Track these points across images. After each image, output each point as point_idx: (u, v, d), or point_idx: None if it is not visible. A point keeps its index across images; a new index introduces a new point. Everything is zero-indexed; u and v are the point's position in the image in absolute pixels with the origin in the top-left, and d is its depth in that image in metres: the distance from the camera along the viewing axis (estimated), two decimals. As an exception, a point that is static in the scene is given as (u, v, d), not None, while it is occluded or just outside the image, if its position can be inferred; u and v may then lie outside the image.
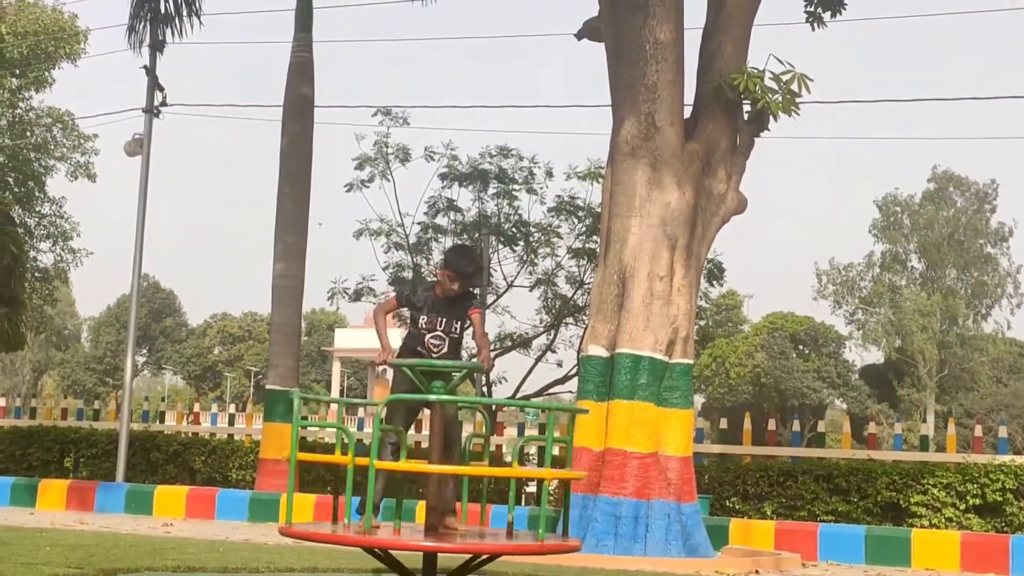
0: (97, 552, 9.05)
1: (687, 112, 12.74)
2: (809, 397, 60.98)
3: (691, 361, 12.24)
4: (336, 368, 75.03)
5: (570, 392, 25.90)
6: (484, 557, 6.81)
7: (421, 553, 6.51)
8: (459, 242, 22.21)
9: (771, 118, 12.49)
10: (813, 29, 13.83)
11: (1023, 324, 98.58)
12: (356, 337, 62.03)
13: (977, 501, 14.08)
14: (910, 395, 61.35)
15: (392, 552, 6.51)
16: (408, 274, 22.69)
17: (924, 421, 17.40)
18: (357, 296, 22.98)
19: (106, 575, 7.74)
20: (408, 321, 7.66)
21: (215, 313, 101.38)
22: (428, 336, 7.37)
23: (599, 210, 22.44)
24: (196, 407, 21.04)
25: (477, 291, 8.48)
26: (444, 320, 7.36)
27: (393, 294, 7.42)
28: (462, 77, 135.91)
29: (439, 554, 6.54)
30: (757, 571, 10.92)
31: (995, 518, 14.05)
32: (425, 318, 7.37)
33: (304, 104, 18.09)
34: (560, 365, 23.89)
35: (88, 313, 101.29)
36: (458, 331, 7.41)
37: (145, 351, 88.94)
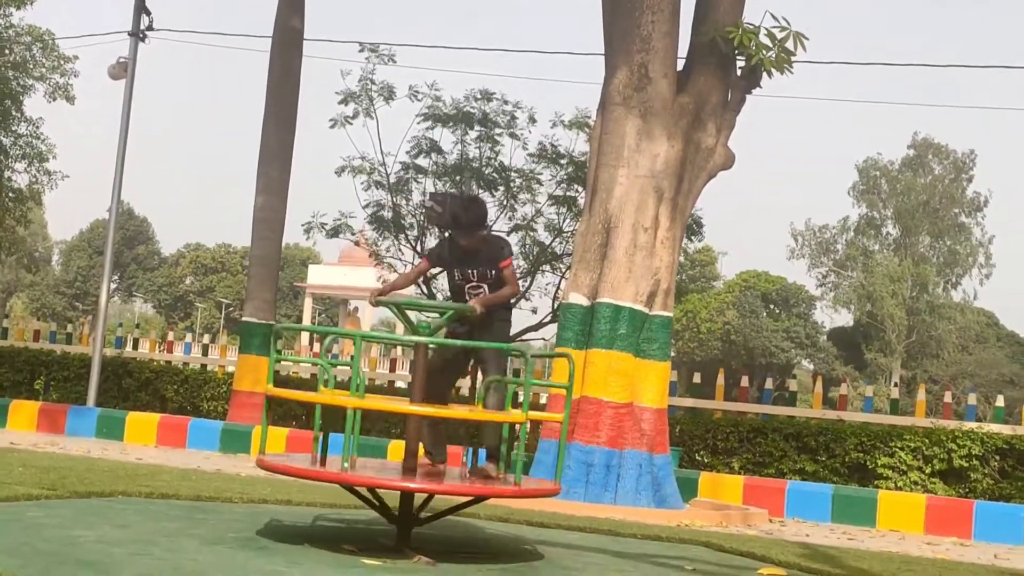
0: (70, 475, 9.04)
1: (680, 64, 12.67)
2: (777, 356, 61.43)
3: (670, 314, 12.28)
4: (308, 304, 74.89)
5: (543, 339, 25.98)
6: (468, 499, 6.84)
7: (397, 493, 6.54)
8: (435, 190, 22.13)
9: (764, 74, 12.43)
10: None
11: (991, 294, 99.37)
12: (329, 274, 61.93)
13: (943, 466, 14.26)
14: (877, 359, 61.87)
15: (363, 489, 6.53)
16: (387, 213, 22.61)
17: (894, 385, 17.52)
18: (335, 232, 22.85)
19: (80, 497, 7.74)
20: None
21: (189, 243, 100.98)
22: (467, 287, 7.23)
23: (581, 159, 22.49)
24: (170, 336, 20.94)
25: (502, 235, 8.21)
26: (475, 271, 7.15)
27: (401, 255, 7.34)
28: (453, 21, 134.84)
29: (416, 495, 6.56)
30: (725, 524, 11.02)
31: (959, 483, 14.23)
32: (458, 272, 7.24)
33: (293, 36, 17.90)
34: (535, 312, 23.95)
35: (60, 236, 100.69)
36: (494, 276, 7.16)
37: (116, 278, 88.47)
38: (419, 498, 6.71)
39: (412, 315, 7.09)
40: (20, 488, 7.76)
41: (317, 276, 67.21)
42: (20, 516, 6.46)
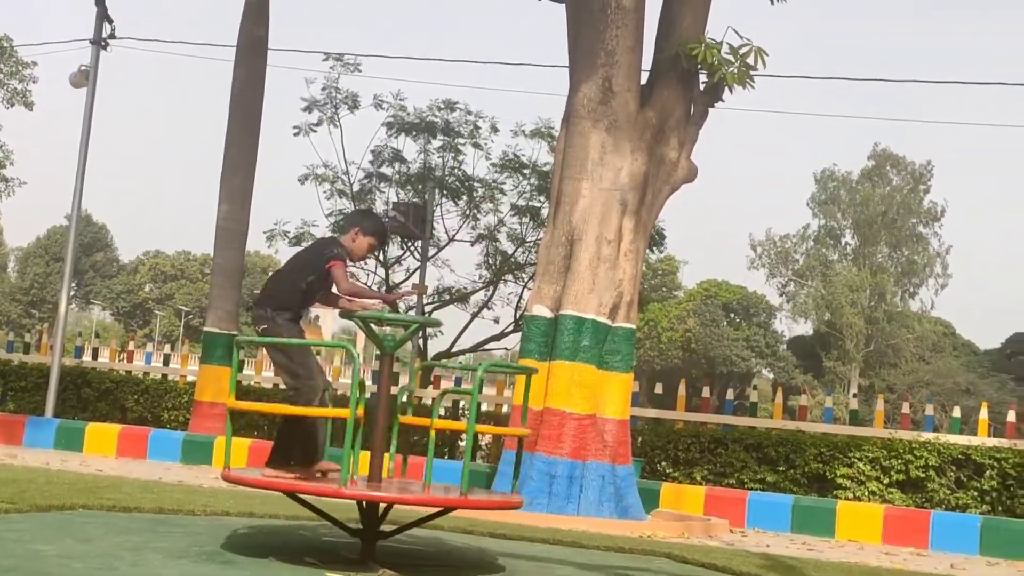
0: (29, 488, 8.97)
1: (644, 78, 12.76)
2: (737, 365, 61.81)
3: (633, 325, 12.34)
4: (268, 312, 74.54)
5: (505, 349, 26.06)
6: (433, 511, 6.86)
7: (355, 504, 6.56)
8: (396, 200, 22.17)
9: (726, 89, 12.55)
10: (772, 3, 13.84)
11: (948, 304, 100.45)
12: (290, 282, 61.61)
13: (901, 476, 14.40)
14: (835, 368, 62.38)
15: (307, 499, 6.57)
16: (351, 222, 22.59)
17: (854, 395, 17.64)
18: (297, 241, 22.85)
19: (40, 511, 7.69)
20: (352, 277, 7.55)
21: (148, 250, 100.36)
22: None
23: (544, 168, 22.59)
24: (131, 345, 20.80)
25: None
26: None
27: (338, 259, 7.24)
28: (419, 30, 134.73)
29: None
30: (687, 535, 11.08)
31: (916, 493, 14.38)
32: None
33: (257, 45, 17.85)
34: (497, 322, 24.01)
35: (16, 243, 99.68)
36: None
37: (74, 285, 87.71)
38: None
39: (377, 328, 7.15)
40: (-23, 501, 7.70)
41: (278, 284, 66.96)
42: (-20, 530, 6.42)
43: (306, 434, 6.86)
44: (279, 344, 6.84)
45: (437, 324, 7.28)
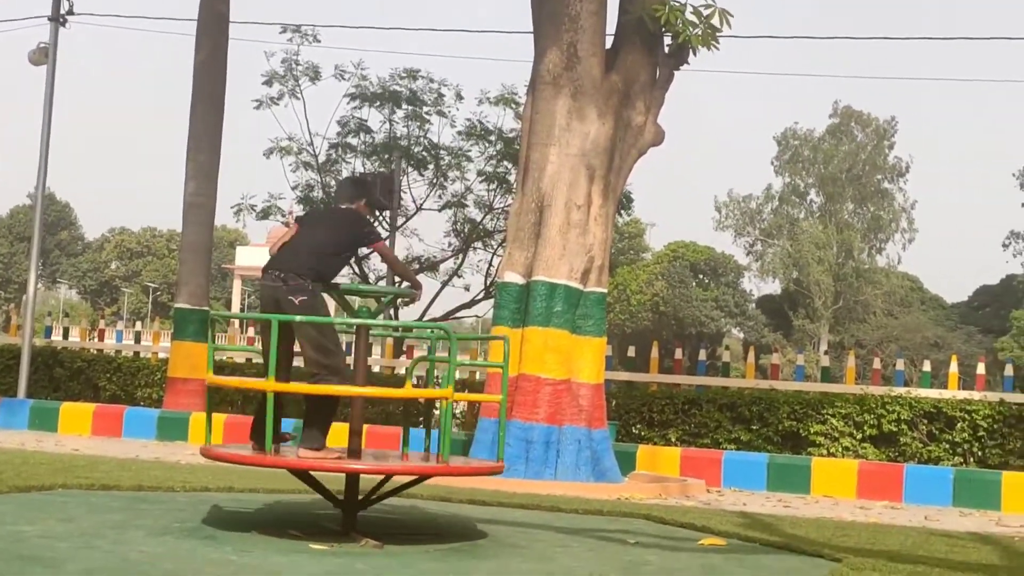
0: (6, 469, 8.94)
1: (609, 43, 12.76)
2: (707, 326, 62.04)
3: (605, 290, 12.41)
4: (237, 286, 74.23)
5: (476, 316, 26.15)
6: (414, 478, 6.91)
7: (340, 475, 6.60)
8: (363, 171, 22.11)
9: (691, 52, 12.57)
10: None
11: (914, 259, 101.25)
12: (257, 255, 61.38)
13: (873, 431, 14.57)
14: (804, 326, 62.77)
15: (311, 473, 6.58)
16: (317, 193, 22.56)
17: (825, 353, 17.82)
18: (264, 214, 22.81)
19: (20, 492, 7.69)
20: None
21: (113, 227, 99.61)
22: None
23: (510, 135, 22.58)
24: (101, 324, 20.69)
25: None
26: None
27: (382, 239, 7.21)
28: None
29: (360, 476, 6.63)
30: (664, 496, 11.19)
31: (889, 448, 14.56)
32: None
33: (219, 20, 17.72)
34: (467, 289, 24.06)
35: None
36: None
37: (40, 264, 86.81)
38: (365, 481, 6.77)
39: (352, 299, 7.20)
40: (-45, 486, 7.68)
41: (245, 257, 66.65)
42: (-40, 513, 6.41)
43: (329, 412, 6.71)
44: (312, 319, 6.51)
45: (410, 295, 7.32)
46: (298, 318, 6.44)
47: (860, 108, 66.72)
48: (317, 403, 6.67)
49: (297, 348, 6.73)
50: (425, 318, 23.82)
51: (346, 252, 7.15)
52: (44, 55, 18.52)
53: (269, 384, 6.26)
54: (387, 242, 7.30)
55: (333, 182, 22.71)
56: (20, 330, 19.06)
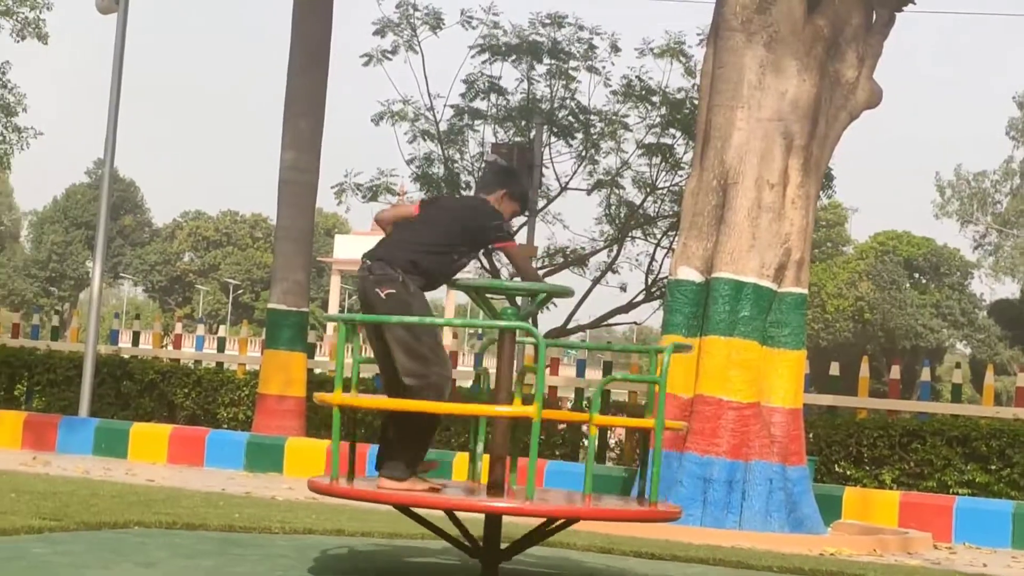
0: (72, 501, 9.21)
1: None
2: (925, 338, 61.05)
3: (805, 291, 12.28)
4: (335, 283, 75.32)
5: (635, 323, 26.06)
6: (561, 522, 6.84)
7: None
8: (497, 140, 22.23)
9: (919, -13, 12.39)
10: None
11: None
12: (360, 245, 62.14)
13: None
14: (1053, 340, 61.30)
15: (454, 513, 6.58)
16: (438, 169, 22.76)
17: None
18: (373, 195, 23.08)
19: (89, 529, 7.89)
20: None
21: (186, 211, 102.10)
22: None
23: (678, 96, 22.50)
24: (178, 328, 21.16)
25: None
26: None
27: (511, 239, 7.27)
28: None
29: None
30: (879, 552, 11.03)
31: None
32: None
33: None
34: (624, 289, 24.01)
35: (29, 206, 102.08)
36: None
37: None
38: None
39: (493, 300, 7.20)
40: (16, 519, 7.88)
41: (346, 249, 67.52)
42: (24, 553, 6.59)
43: (421, 432, 6.69)
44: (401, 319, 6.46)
45: (568, 293, 7.28)
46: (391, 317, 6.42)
47: None
48: (403, 422, 6.63)
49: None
50: (570, 325, 23.87)
51: (459, 251, 6.99)
52: (115, 1, 18.99)
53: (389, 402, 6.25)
54: (516, 239, 7.22)
55: (458, 155, 22.94)
56: (82, 334, 19.49)
